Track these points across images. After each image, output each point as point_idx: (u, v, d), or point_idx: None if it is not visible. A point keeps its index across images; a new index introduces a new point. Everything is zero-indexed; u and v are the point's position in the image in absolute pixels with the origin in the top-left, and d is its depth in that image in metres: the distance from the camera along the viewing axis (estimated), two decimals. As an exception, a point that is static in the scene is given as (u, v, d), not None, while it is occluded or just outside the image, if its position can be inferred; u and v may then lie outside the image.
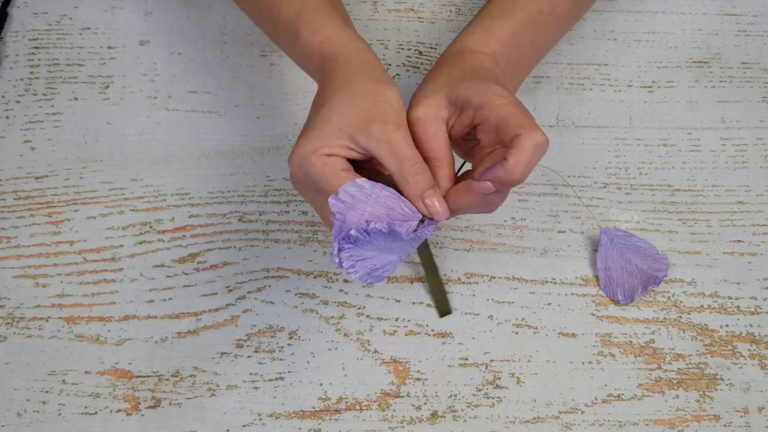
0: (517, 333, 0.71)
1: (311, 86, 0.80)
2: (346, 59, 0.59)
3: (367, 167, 0.58)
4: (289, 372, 0.69)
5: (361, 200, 0.54)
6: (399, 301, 0.71)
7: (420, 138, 0.57)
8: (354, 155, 0.56)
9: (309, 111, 0.59)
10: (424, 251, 0.70)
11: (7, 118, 0.78)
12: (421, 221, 0.55)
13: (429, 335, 0.70)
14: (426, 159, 0.57)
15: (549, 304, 0.72)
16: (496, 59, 0.62)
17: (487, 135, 0.57)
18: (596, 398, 0.68)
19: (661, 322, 0.71)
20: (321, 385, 0.69)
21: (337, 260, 0.53)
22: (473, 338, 0.70)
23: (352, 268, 0.54)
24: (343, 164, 0.55)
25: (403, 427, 0.67)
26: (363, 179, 0.54)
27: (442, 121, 0.58)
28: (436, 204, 0.55)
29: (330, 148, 0.55)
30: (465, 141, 0.60)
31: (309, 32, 0.61)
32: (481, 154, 0.58)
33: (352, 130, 0.55)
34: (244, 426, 0.67)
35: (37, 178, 0.76)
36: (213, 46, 0.81)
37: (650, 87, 0.80)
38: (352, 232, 0.52)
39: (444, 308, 0.71)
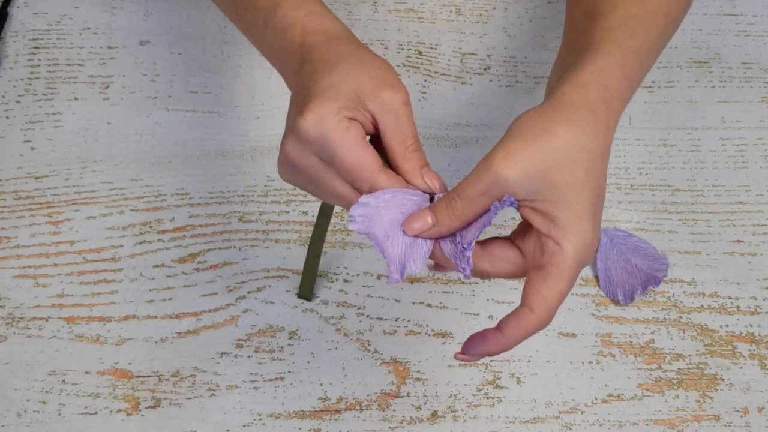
0: (517, 333, 0.71)
1: (311, 86, 0.79)
2: (341, 34, 0.54)
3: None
4: (289, 372, 0.69)
5: (375, 214, 0.51)
6: (399, 301, 0.71)
7: (471, 178, 0.50)
8: (369, 127, 0.52)
9: (297, 85, 0.54)
10: (323, 220, 0.66)
11: (7, 118, 0.78)
12: (431, 199, 0.53)
13: (429, 335, 0.70)
14: (452, 191, 0.51)
15: (549, 304, 0.72)
16: (614, 113, 0.53)
17: (527, 245, 0.51)
18: (596, 398, 0.68)
19: (661, 322, 0.71)
20: (321, 385, 0.69)
21: (400, 277, 0.51)
22: (473, 338, 0.70)
23: (397, 271, 0.52)
24: (363, 133, 0.50)
25: (403, 427, 0.67)
26: (364, 196, 0.51)
27: (502, 195, 0.49)
28: (434, 179, 0.52)
29: (351, 111, 0.50)
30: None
31: (292, 5, 0.55)
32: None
33: (363, 94, 0.50)
34: (244, 426, 0.67)
35: (37, 178, 0.76)
36: (213, 46, 0.81)
37: (650, 87, 0.80)
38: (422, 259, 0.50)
39: (307, 292, 0.70)
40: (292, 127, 0.51)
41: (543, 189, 0.48)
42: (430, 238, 0.52)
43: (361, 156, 0.50)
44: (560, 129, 0.49)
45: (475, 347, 0.51)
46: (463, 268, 0.50)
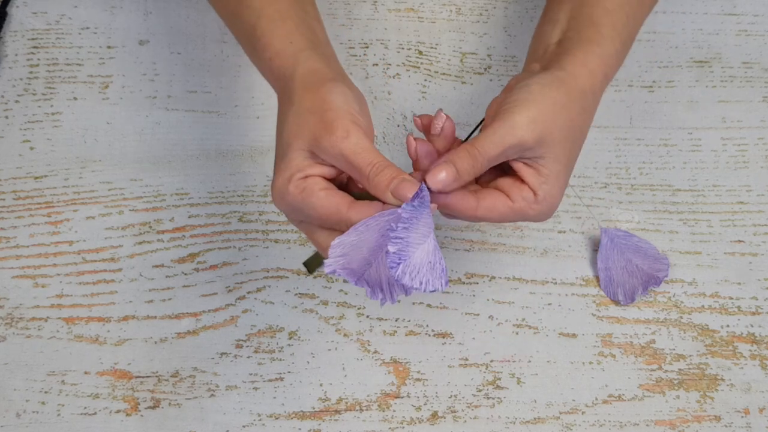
0: (517, 333, 0.70)
1: (311, 86, 0.79)
2: (291, 74, 0.57)
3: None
4: (288, 372, 0.69)
5: (353, 246, 0.52)
6: (399, 301, 0.71)
7: (494, 140, 0.54)
8: (328, 171, 0.54)
9: (275, 136, 0.58)
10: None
11: (7, 117, 0.78)
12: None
13: (429, 335, 0.70)
14: (473, 147, 0.54)
15: (549, 304, 0.71)
16: (597, 92, 0.59)
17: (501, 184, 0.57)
18: (597, 399, 0.68)
19: (661, 322, 0.71)
20: (321, 385, 0.68)
21: (390, 299, 0.53)
22: (473, 338, 0.70)
23: (422, 284, 0.52)
24: (320, 183, 0.53)
25: (403, 427, 0.67)
26: (338, 237, 0.52)
27: (518, 155, 0.55)
28: (402, 187, 0.51)
29: (301, 171, 0.54)
30: None
31: (261, 48, 0.59)
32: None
33: (311, 148, 0.53)
34: (243, 426, 0.67)
35: (36, 178, 0.76)
36: (213, 46, 0.81)
37: (651, 87, 0.80)
38: (390, 248, 0.50)
39: (314, 264, 0.70)
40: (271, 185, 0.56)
41: (544, 153, 0.55)
42: (447, 191, 0.54)
43: (324, 205, 0.53)
44: (574, 111, 0.56)
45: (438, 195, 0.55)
46: None
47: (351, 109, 0.54)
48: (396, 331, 0.70)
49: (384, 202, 0.53)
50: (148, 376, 0.68)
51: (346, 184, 0.57)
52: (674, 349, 0.70)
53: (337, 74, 0.57)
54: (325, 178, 0.54)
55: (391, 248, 0.51)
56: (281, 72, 0.58)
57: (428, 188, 0.53)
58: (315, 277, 0.72)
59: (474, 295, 0.72)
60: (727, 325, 0.71)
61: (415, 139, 0.55)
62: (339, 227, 0.53)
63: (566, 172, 0.57)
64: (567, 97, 0.56)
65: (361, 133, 0.53)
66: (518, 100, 0.55)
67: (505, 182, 0.56)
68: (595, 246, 0.73)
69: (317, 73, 0.56)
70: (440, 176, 0.53)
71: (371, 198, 0.54)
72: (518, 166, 0.56)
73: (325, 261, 0.52)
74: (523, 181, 0.56)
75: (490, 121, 0.56)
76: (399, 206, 0.52)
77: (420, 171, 0.56)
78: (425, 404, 0.68)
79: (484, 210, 0.55)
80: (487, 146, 0.53)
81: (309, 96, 0.55)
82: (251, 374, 0.69)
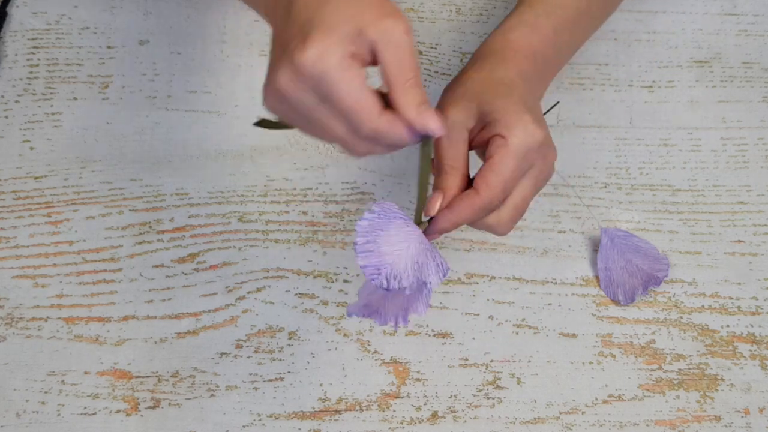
0: (517, 333, 0.70)
1: (311, 86, 0.79)
2: None
3: None
4: (288, 372, 0.69)
5: (367, 300, 0.55)
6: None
7: (441, 142, 0.56)
8: (368, 62, 0.50)
9: (287, 17, 0.51)
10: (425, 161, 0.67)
11: (6, 117, 0.78)
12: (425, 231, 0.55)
13: (429, 335, 0.70)
14: (440, 165, 0.56)
15: (549, 304, 0.71)
16: (535, 60, 0.61)
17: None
18: (597, 399, 0.68)
19: (661, 322, 0.71)
20: (321, 385, 0.68)
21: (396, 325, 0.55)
22: (473, 338, 0.70)
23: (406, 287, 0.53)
24: (364, 74, 0.49)
25: (403, 427, 0.67)
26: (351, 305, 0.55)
27: (467, 130, 0.57)
28: (428, 116, 0.50)
29: (353, 44, 0.48)
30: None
31: None
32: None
33: (363, 23, 0.48)
34: (243, 426, 0.67)
35: (36, 178, 0.76)
36: (213, 46, 0.81)
37: (651, 87, 0.80)
38: (391, 286, 0.52)
39: (269, 124, 0.66)
40: (288, 58, 0.48)
41: (482, 109, 0.56)
42: (457, 203, 0.55)
43: (361, 99, 0.49)
44: (484, 68, 0.59)
45: (431, 227, 0.56)
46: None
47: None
48: (396, 331, 0.70)
49: (402, 115, 0.51)
50: (148, 376, 0.68)
51: None
52: (674, 349, 0.70)
53: None
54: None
55: (360, 262, 0.51)
56: None
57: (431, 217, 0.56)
58: (315, 278, 0.72)
59: (474, 295, 0.72)
60: (727, 325, 0.71)
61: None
62: (358, 127, 0.50)
63: (515, 102, 0.56)
64: (470, 65, 0.60)
65: (412, 41, 0.50)
66: (455, 94, 0.59)
67: (486, 156, 0.57)
68: (595, 246, 0.73)
69: None
70: (436, 206, 0.55)
71: None
72: (481, 137, 0.57)
73: (350, 308, 0.55)
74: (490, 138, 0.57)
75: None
76: (416, 127, 0.50)
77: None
78: (425, 404, 0.68)
79: (483, 188, 0.55)
80: (451, 153, 0.56)
81: None
82: (251, 374, 0.69)
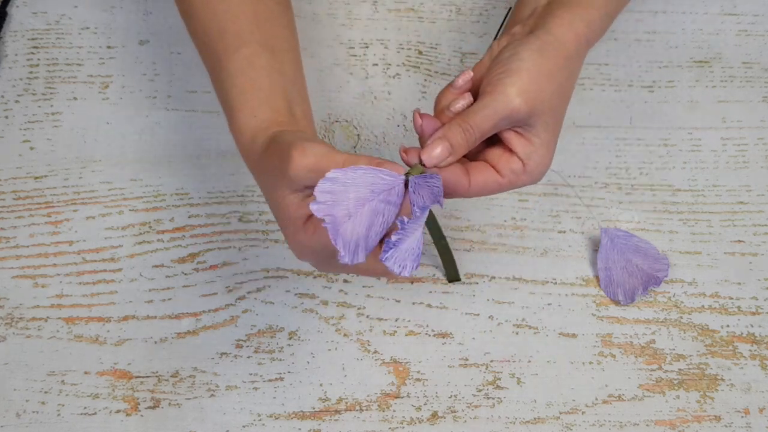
0: (517, 333, 0.70)
1: (311, 86, 0.79)
2: (252, 149, 0.58)
3: None
4: (288, 372, 0.69)
5: (341, 191, 0.52)
6: (399, 301, 0.71)
7: (486, 113, 0.54)
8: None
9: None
10: (430, 219, 0.68)
11: (6, 117, 0.78)
12: (406, 183, 0.53)
13: (429, 335, 0.70)
14: (466, 122, 0.55)
15: (549, 304, 0.71)
16: (583, 53, 0.59)
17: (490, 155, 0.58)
18: (597, 399, 0.68)
19: (661, 322, 0.71)
20: (321, 385, 0.68)
21: (354, 258, 0.52)
22: (473, 338, 0.70)
23: (402, 268, 0.52)
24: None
25: (403, 427, 0.67)
26: (333, 170, 0.51)
27: (509, 126, 0.56)
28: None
29: (300, 216, 0.54)
30: None
31: (230, 121, 0.60)
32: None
33: (289, 189, 0.53)
34: (243, 426, 0.67)
35: (36, 178, 0.76)
36: (213, 46, 0.81)
37: (651, 87, 0.80)
38: (392, 238, 0.51)
39: (453, 274, 0.71)
40: (288, 238, 0.56)
41: (535, 122, 0.55)
42: (442, 167, 0.54)
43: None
44: (563, 77, 0.56)
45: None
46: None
47: (300, 135, 0.55)
48: (396, 331, 0.70)
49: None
50: (148, 376, 0.68)
51: None
52: (674, 349, 0.70)
53: (286, 123, 0.58)
54: None
55: (393, 237, 0.51)
56: (244, 146, 0.58)
57: (423, 164, 0.54)
58: (315, 277, 0.72)
59: (474, 295, 0.72)
60: (727, 325, 0.71)
61: (420, 115, 0.56)
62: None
63: (555, 138, 0.57)
64: (555, 64, 0.56)
65: (317, 143, 0.52)
66: (509, 71, 0.55)
67: (493, 154, 0.57)
68: (595, 246, 0.73)
69: (272, 135, 0.57)
70: (435, 152, 0.54)
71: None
72: (508, 136, 0.56)
73: (315, 192, 0.51)
74: (512, 151, 0.56)
75: (484, 89, 0.56)
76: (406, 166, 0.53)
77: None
78: (425, 404, 0.68)
79: (476, 188, 0.56)
80: (479, 120, 0.54)
81: (269, 151, 0.56)
82: (251, 374, 0.69)
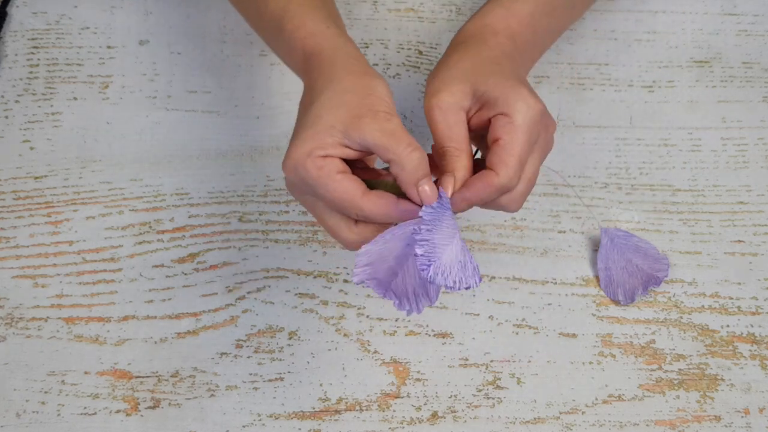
0: (517, 333, 0.70)
1: (311, 86, 0.79)
2: (331, 55, 0.58)
3: (359, 165, 0.58)
4: (288, 372, 0.69)
5: (379, 255, 0.53)
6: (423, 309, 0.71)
7: (438, 127, 0.56)
8: (349, 153, 0.54)
9: (297, 112, 0.58)
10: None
11: (6, 117, 0.78)
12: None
13: (429, 335, 0.70)
14: (443, 148, 0.56)
15: (549, 304, 0.71)
16: (515, 41, 0.62)
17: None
18: (597, 399, 0.68)
19: (661, 322, 0.71)
20: (321, 385, 0.68)
21: (416, 309, 0.54)
22: (473, 338, 0.70)
23: (456, 283, 0.53)
24: (339, 166, 0.54)
25: (403, 427, 0.67)
26: (363, 247, 0.53)
27: (464, 111, 0.57)
28: (427, 189, 0.53)
29: (324, 148, 0.53)
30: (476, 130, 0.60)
31: (293, 27, 0.60)
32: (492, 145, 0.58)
33: (343, 126, 0.53)
34: (243, 426, 0.67)
35: (36, 178, 0.76)
36: (213, 46, 0.81)
37: (651, 87, 0.80)
38: (417, 251, 0.52)
39: None
40: (286, 155, 0.55)
41: (476, 89, 0.57)
42: (473, 184, 0.55)
43: (339, 189, 0.53)
44: (471, 52, 0.60)
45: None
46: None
47: (391, 101, 0.55)
48: (396, 331, 0.70)
49: (398, 197, 0.54)
50: (148, 376, 0.68)
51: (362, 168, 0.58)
52: (674, 349, 0.70)
53: (375, 71, 0.58)
54: (343, 160, 0.55)
55: (418, 251, 0.52)
56: (317, 50, 0.58)
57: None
58: (315, 277, 0.72)
59: (474, 295, 0.72)
60: (727, 325, 0.71)
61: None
62: (349, 213, 0.54)
63: (508, 80, 0.57)
64: (453, 50, 0.61)
65: (400, 120, 0.54)
66: (433, 77, 0.59)
67: (490, 137, 0.57)
68: (595, 246, 0.73)
69: (359, 62, 0.58)
70: (449, 190, 0.55)
71: (383, 188, 0.55)
72: (479, 117, 0.57)
73: (353, 270, 0.53)
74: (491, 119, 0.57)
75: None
76: (418, 205, 0.53)
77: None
78: (425, 404, 0.68)
79: (502, 168, 0.55)
80: (437, 136, 0.56)
81: (351, 78, 0.56)
82: (251, 374, 0.69)
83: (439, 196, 0.54)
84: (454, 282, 0.52)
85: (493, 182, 0.55)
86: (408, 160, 0.53)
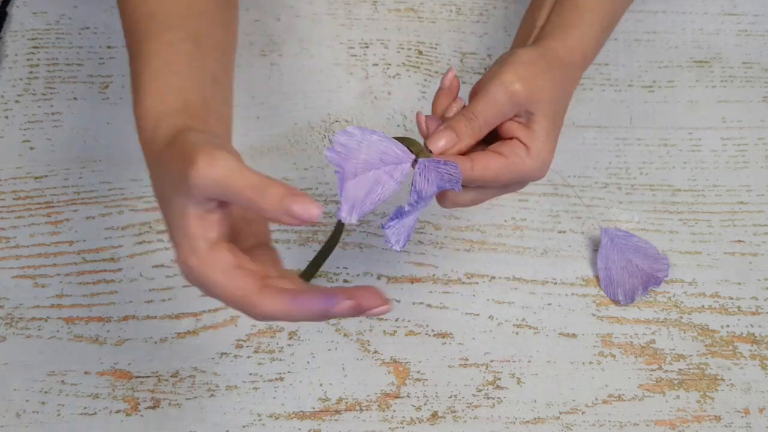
0: (517, 333, 0.70)
1: (311, 86, 0.79)
2: (152, 137, 0.52)
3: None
4: (288, 372, 0.69)
5: (354, 148, 0.52)
6: (399, 301, 0.71)
7: (486, 100, 0.56)
8: (215, 218, 0.48)
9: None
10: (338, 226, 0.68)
11: (6, 117, 0.78)
12: (415, 160, 0.54)
13: (429, 335, 0.70)
14: (472, 115, 0.56)
15: (549, 304, 0.71)
16: (582, 73, 0.62)
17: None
18: (597, 399, 0.68)
19: (661, 322, 0.71)
20: (321, 385, 0.68)
21: (348, 218, 0.51)
22: (473, 338, 0.70)
23: (396, 241, 0.53)
24: (225, 262, 0.48)
25: (403, 427, 0.67)
26: (353, 126, 0.52)
27: (511, 114, 0.57)
28: (297, 202, 0.45)
29: (202, 238, 0.48)
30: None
31: (135, 100, 0.54)
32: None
33: (189, 197, 0.47)
34: (243, 426, 0.67)
35: (36, 178, 0.76)
36: (213, 46, 0.81)
37: (651, 87, 0.80)
38: (405, 207, 0.52)
39: (310, 274, 0.71)
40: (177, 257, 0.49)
41: (535, 109, 0.57)
42: (451, 154, 0.55)
43: (230, 286, 0.47)
44: (556, 73, 0.58)
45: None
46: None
47: (211, 139, 0.49)
48: (396, 331, 0.70)
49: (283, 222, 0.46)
50: (148, 376, 0.68)
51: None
52: (674, 349, 0.70)
53: (197, 126, 0.52)
54: (232, 247, 0.49)
55: (406, 207, 0.52)
56: (145, 134, 0.53)
57: (430, 151, 0.55)
58: (316, 277, 0.72)
59: (474, 295, 0.72)
60: (727, 325, 0.71)
61: (425, 117, 0.57)
62: (247, 312, 0.48)
63: (555, 131, 0.58)
64: (551, 61, 0.58)
65: (228, 155, 0.46)
66: (505, 63, 0.57)
67: (497, 145, 0.57)
68: (595, 246, 0.73)
69: (176, 127, 0.51)
70: (440, 143, 0.55)
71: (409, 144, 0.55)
72: (510, 127, 0.57)
73: (333, 137, 0.51)
74: (515, 140, 0.57)
75: (484, 83, 0.57)
76: (316, 299, 0.47)
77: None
78: (425, 404, 0.68)
79: (479, 169, 0.55)
80: (481, 107, 0.56)
81: (171, 147, 0.49)
82: (251, 374, 0.69)
83: (444, 164, 0.53)
84: (395, 240, 0.53)
85: (468, 173, 0.55)
86: (255, 200, 0.46)
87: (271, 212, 0.45)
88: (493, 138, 0.58)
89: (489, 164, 0.56)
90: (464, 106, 0.57)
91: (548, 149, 0.57)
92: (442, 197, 0.58)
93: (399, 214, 0.53)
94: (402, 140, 0.55)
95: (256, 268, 0.49)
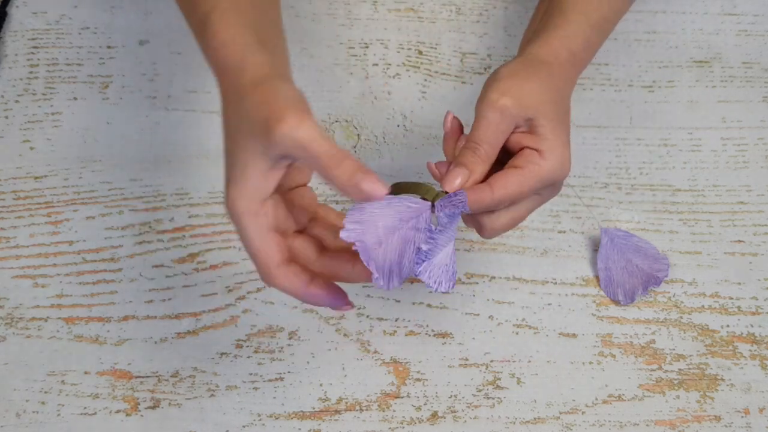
0: (517, 333, 0.70)
1: (311, 86, 0.79)
2: (240, 68, 0.54)
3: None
4: (288, 372, 0.69)
5: (368, 220, 0.53)
6: (399, 301, 0.71)
7: (485, 124, 0.56)
8: (279, 174, 0.52)
9: (224, 135, 0.55)
10: None
11: (6, 117, 0.78)
12: (432, 205, 0.55)
13: (429, 335, 0.70)
14: (475, 145, 0.56)
15: (549, 304, 0.71)
16: (577, 72, 0.62)
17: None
18: (597, 399, 0.68)
19: (661, 322, 0.71)
20: (321, 385, 0.68)
21: (388, 286, 0.53)
22: (473, 338, 0.70)
23: (438, 284, 0.54)
24: (265, 224, 0.52)
25: (403, 427, 0.67)
26: (360, 203, 0.52)
27: (513, 127, 0.57)
28: (366, 180, 0.49)
29: (259, 191, 0.52)
30: None
31: (210, 35, 0.56)
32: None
33: (263, 144, 0.50)
34: (243, 426, 0.67)
35: (36, 178, 0.76)
36: (213, 46, 0.81)
37: (651, 87, 0.80)
38: (422, 246, 0.53)
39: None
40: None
41: (533, 114, 0.57)
42: (471, 187, 0.55)
43: (260, 247, 0.52)
44: (542, 75, 0.58)
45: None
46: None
47: (301, 99, 0.52)
48: (396, 331, 0.70)
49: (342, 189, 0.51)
50: (148, 376, 0.68)
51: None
52: (674, 349, 0.70)
53: (285, 74, 0.56)
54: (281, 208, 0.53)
55: (424, 247, 0.53)
56: (228, 63, 0.55)
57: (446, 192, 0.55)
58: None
59: (474, 295, 0.72)
60: (727, 325, 0.71)
61: (435, 163, 0.57)
62: (258, 269, 0.53)
63: (561, 127, 0.58)
64: (530, 68, 0.59)
65: (313, 121, 0.50)
66: (487, 85, 0.58)
67: (511, 161, 0.58)
68: (595, 246, 0.73)
69: (266, 68, 0.54)
70: (456, 182, 0.55)
71: (415, 191, 0.56)
72: (516, 139, 0.57)
73: (345, 220, 0.52)
74: (526, 149, 0.57)
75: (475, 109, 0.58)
76: (326, 296, 0.53)
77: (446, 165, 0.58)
78: (425, 404, 0.68)
79: (499, 189, 0.55)
80: (480, 133, 0.56)
81: (259, 90, 0.52)
82: (251, 374, 0.69)
83: (458, 194, 0.54)
84: (435, 282, 0.54)
85: (484, 196, 0.55)
86: (330, 167, 0.50)
87: (341, 182, 0.49)
88: (507, 157, 0.58)
89: (507, 181, 0.56)
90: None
91: (560, 145, 0.57)
92: (479, 228, 0.58)
93: (423, 256, 0.53)
94: (409, 188, 0.56)
95: (289, 241, 0.54)
